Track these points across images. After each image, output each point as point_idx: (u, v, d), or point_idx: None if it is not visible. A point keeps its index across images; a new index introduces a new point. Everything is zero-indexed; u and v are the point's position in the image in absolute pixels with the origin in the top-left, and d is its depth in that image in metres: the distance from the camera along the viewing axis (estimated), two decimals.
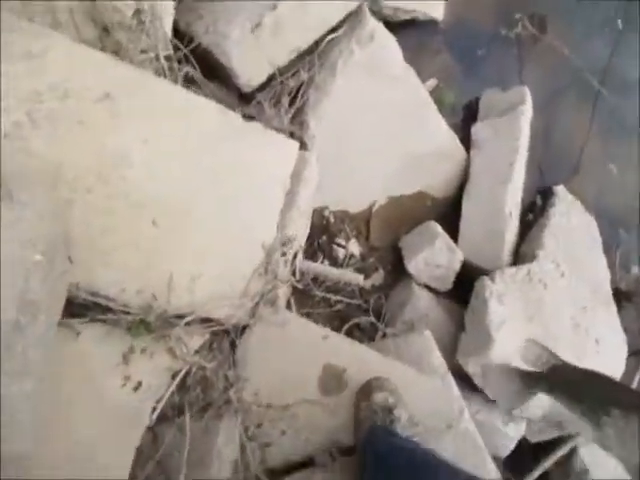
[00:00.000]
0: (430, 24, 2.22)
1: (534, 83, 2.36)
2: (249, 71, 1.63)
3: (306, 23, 1.65)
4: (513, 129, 2.04)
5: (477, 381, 1.76)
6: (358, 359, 1.45)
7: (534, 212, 2.28)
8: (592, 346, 1.93)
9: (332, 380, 1.42)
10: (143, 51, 1.42)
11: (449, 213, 2.12)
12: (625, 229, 2.36)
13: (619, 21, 2.53)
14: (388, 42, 1.79)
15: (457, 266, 1.97)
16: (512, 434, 1.79)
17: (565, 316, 1.92)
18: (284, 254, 1.61)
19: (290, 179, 1.60)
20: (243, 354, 1.45)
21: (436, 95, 2.21)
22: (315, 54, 1.74)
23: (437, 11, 2.20)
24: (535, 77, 2.39)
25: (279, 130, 1.67)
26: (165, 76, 1.45)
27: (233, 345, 1.49)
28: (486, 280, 1.80)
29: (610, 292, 2.15)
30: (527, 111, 2.07)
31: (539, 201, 2.30)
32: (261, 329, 1.46)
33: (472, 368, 1.74)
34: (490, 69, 2.32)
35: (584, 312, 1.99)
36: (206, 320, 1.41)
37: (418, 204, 2.09)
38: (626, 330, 2.12)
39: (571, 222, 2.19)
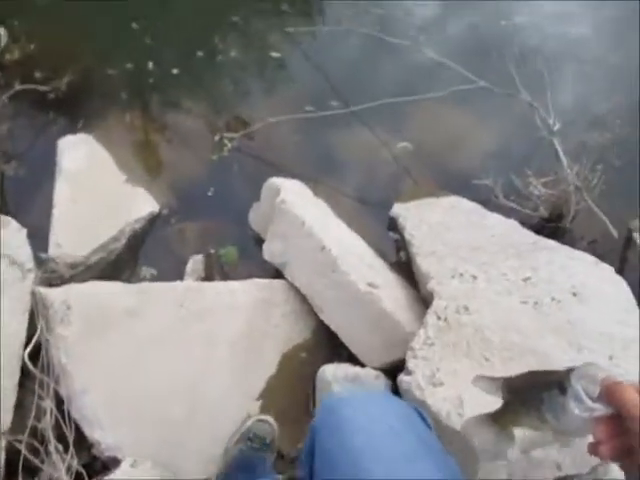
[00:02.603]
0: (155, 223, 1.96)
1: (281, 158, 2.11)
2: None
3: None
4: (291, 222, 1.69)
5: None
6: None
7: (402, 249, 1.88)
8: (571, 306, 1.44)
9: None
10: None
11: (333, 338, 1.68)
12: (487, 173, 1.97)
13: None
14: (85, 299, 1.46)
15: (381, 386, 1.49)
16: None
17: (515, 311, 1.44)
18: None
19: None
20: None
21: (222, 262, 1.89)
22: None
23: (150, 207, 1.95)
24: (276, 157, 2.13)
25: None
26: None
27: None
28: (403, 378, 1.32)
29: (534, 237, 1.71)
30: (286, 196, 1.74)
31: (395, 236, 1.92)
32: None
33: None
34: (233, 197, 2.05)
35: (532, 285, 1.51)
36: None
37: (295, 367, 1.64)
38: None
39: (433, 222, 1.79)
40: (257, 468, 1.37)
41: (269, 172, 2.06)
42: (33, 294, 1.44)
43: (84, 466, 1.39)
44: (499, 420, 0.67)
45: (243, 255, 1.90)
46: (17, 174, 2.08)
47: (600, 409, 0.56)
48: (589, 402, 0.56)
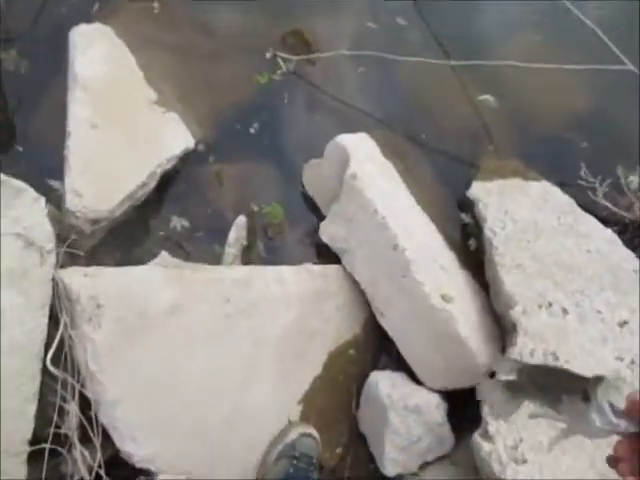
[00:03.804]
0: (189, 160, 1.63)
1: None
2: None
3: None
4: (361, 205, 1.41)
5: None
6: None
7: (472, 235, 1.64)
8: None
9: None
10: None
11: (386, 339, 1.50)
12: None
13: None
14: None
15: (440, 417, 1.35)
16: None
17: (609, 369, 1.27)
18: None
19: None
20: None
21: (265, 223, 1.62)
22: None
23: (184, 142, 1.61)
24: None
25: None
26: None
27: None
28: (481, 444, 1.18)
29: (635, 260, 1.48)
30: (358, 169, 1.44)
31: (467, 219, 1.66)
32: None
33: None
34: (282, 139, 1.70)
35: (629, 334, 1.33)
36: None
37: (341, 366, 1.49)
38: None
39: (519, 219, 1.54)
40: None
41: (329, 113, 1.72)
42: (54, 281, 1.18)
43: (108, 461, 1.28)
44: (513, 391, 0.69)
45: (290, 216, 1.63)
46: (18, 69, 1.67)
47: (624, 426, 0.55)
48: (613, 418, 0.55)
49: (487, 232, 1.51)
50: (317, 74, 1.72)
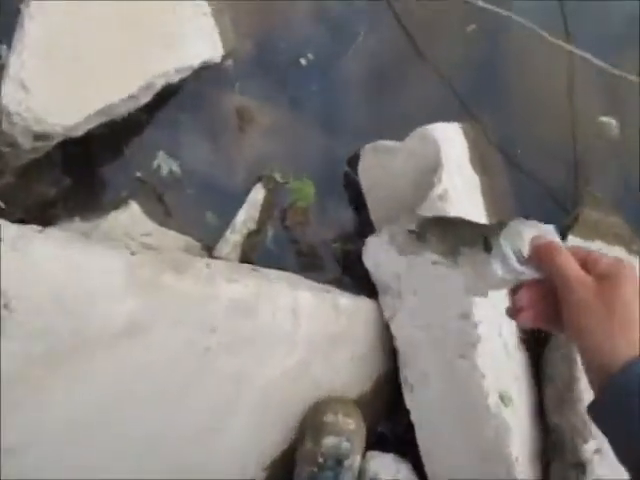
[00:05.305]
0: (205, 77, 1.11)
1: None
2: None
3: None
4: None
5: None
6: None
7: None
8: None
9: None
10: None
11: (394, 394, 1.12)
12: None
13: None
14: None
15: None
16: None
17: None
18: None
19: None
20: None
21: (285, 202, 1.14)
22: None
23: (210, 50, 1.08)
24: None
25: None
26: None
27: None
28: None
29: None
30: (450, 187, 0.98)
31: None
32: None
33: None
34: (339, 89, 1.19)
35: None
36: None
37: None
38: None
39: None
40: None
41: (416, 73, 1.22)
42: None
43: None
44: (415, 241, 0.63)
45: (321, 204, 1.16)
46: None
47: (528, 273, 0.52)
48: (517, 265, 0.52)
49: None
50: (423, 16, 1.20)
